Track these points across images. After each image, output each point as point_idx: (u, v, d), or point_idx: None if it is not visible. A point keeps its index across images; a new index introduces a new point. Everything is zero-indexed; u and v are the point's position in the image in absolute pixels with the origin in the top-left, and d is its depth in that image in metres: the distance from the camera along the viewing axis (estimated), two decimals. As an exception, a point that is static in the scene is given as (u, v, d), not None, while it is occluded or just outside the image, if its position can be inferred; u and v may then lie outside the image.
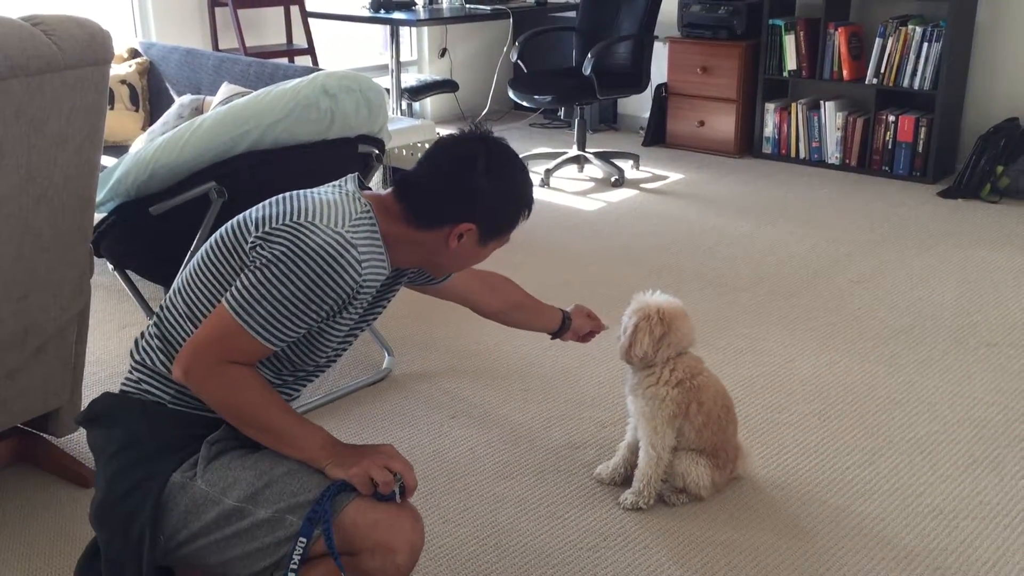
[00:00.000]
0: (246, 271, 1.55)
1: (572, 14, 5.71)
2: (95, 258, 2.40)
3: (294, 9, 5.21)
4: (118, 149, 3.85)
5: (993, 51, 4.94)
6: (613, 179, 5.00)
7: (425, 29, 6.14)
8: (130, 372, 1.70)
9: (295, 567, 1.49)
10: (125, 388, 1.69)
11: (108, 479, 1.62)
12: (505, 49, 6.19)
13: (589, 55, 4.78)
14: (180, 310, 1.65)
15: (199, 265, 1.66)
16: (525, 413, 2.70)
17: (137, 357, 1.68)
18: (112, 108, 4.03)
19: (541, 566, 2.07)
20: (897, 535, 2.16)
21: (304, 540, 1.50)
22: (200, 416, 1.64)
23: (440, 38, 6.25)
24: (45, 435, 2.40)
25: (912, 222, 4.35)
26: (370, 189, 1.74)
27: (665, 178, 5.10)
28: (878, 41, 4.95)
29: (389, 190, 1.69)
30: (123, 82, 4.09)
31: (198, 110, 3.60)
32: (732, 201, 4.70)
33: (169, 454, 1.60)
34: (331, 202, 1.61)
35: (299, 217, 1.56)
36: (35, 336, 2.13)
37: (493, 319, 2.15)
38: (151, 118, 4.13)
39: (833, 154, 5.23)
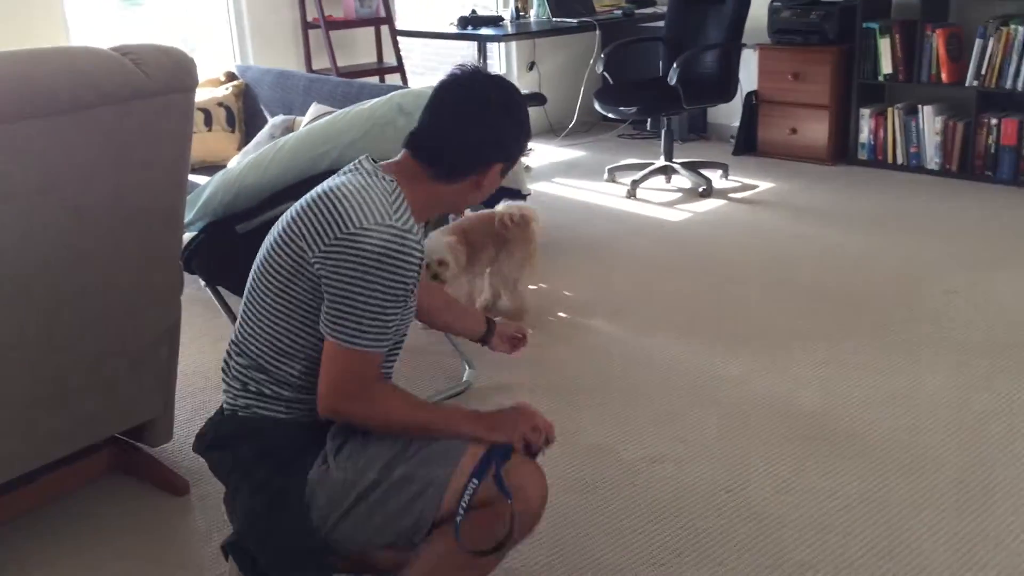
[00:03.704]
0: (329, 298, 1.60)
1: (660, 24, 5.67)
2: (189, 274, 2.51)
3: (384, 29, 5.34)
4: (215, 169, 4.00)
5: (1104, 48, 4.70)
6: (701, 189, 4.95)
7: (513, 44, 6.20)
8: (233, 398, 1.77)
9: (464, 507, 1.60)
10: (236, 413, 1.76)
11: (249, 494, 1.70)
12: (592, 61, 6.19)
13: (674, 65, 4.75)
14: (261, 338, 1.71)
15: (263, 291, 1.70)
16: (600, 427, 2.69)
17: (237, 385, 1.76)
18: (210, 130, 4.20)
19: (612, 581, 2.06)
20: (988, 553, 2.08)
21: (476, 482, 1.61)
22: (315, 419, 1.71)
23: (528, 52, 6.30)
24: (140, 445, 2.51)
25: (1014, 230, 4.17)
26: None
27: (755, 187, 5.02)
28: (978, 42, 4.77)
29: (403, 152, 1.70)
30: (220, 104, 4.26)
31: (289, 130, 3.72)
32: (823, 210, 4.59)
33: (300, 457, 1.69)
34: (362, 189, 1.62)
35: (347, 226, 1.58)
36: (130, 351, 2.24)
37: (424, 318, 2.08)
38: (246, 138, 4.29)
39: (932, 159, 5.06)
